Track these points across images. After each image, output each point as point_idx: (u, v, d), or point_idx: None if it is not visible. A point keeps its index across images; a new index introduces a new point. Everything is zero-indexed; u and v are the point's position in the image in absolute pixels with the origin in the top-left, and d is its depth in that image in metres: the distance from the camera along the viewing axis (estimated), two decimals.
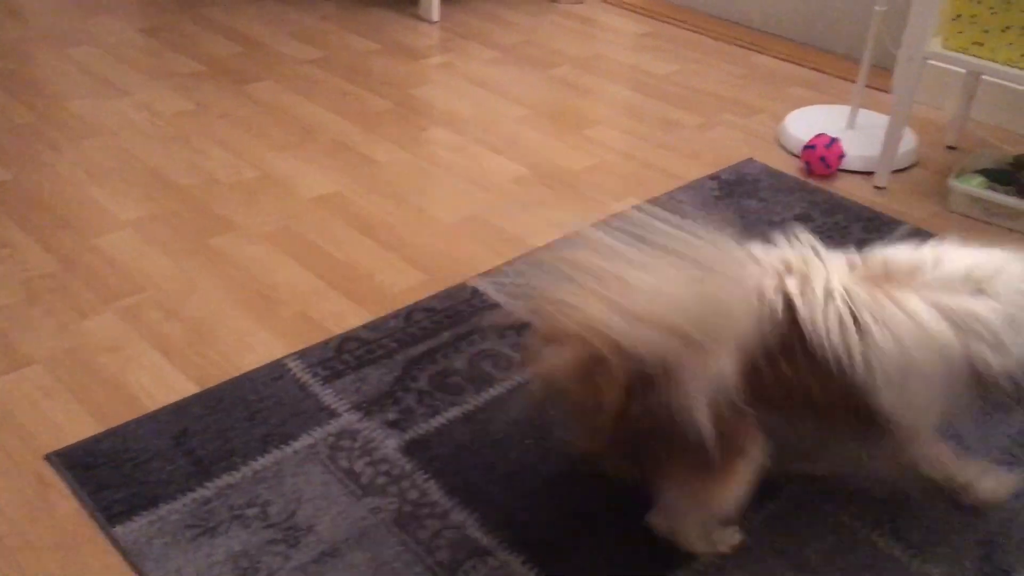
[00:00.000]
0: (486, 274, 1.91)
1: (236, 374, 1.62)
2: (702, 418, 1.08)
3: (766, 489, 1.40)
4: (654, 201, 2.18)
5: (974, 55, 2.08)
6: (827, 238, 2.06)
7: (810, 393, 1.19)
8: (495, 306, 1.81)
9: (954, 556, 1.32)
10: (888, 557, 1.32)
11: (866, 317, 1.18)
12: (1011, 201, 2.12)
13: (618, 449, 1.22)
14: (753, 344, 1.16)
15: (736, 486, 1.20)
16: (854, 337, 1.17)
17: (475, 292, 1.85)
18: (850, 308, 1.18)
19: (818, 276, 1.22)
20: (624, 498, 1.36)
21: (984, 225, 2.15)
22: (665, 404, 1.09)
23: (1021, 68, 2.02)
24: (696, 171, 2.34)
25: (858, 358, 1.17)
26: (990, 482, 1.39)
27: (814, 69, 2.97)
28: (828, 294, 1.19)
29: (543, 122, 2.58)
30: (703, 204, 2.17)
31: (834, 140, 2.33)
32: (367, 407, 1.55)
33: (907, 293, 1.20)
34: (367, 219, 2.10)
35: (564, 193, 2.23)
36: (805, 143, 2.37)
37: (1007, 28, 2.01)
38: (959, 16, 2.08)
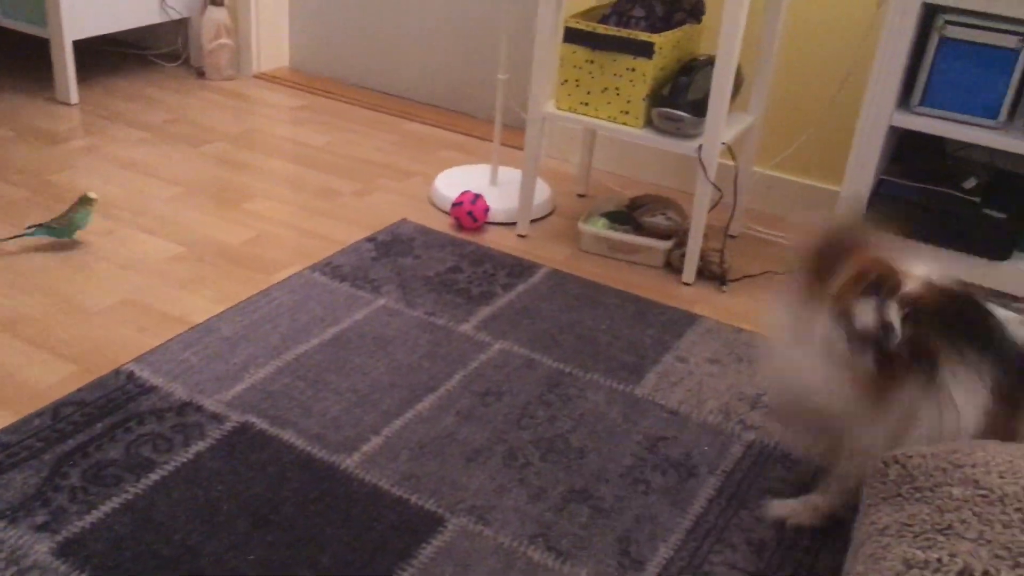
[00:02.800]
0: (142, 357, 1.86)
1: None
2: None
3: (430, 524, 1.49)
4: (314, 267, 2.24)
5: (583, 114, 2.37)
6: (477, 285, 2.22)
7: None
8: (153, 389, 1.77)
9: (598, 556, 1.48)
10: (542, 567, 1.45)
11: None
12: (628, 238, 2.42)
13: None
14: None
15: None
16: None
17: (131, 377, 1.79)
18: None
19: None
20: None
21: (610, 260, 2.43)
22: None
23: (620, 123, 2.32)
24: (354, 235, 2.43)
25: None
26: None
27: (461, 133, 3.20)
28: None
29: (198, 200, 2.56)
30: (361, 265, 2.26)
31: (478, 196, 2.52)
32: (11, 514, 1.45)
33: None
34: (7, 316, 1.97)
35: (224, 268, 2.23)
36: (453, 201, 2.54)
37: (605, 89, 2.31)
38: (566, 81, 2.35)
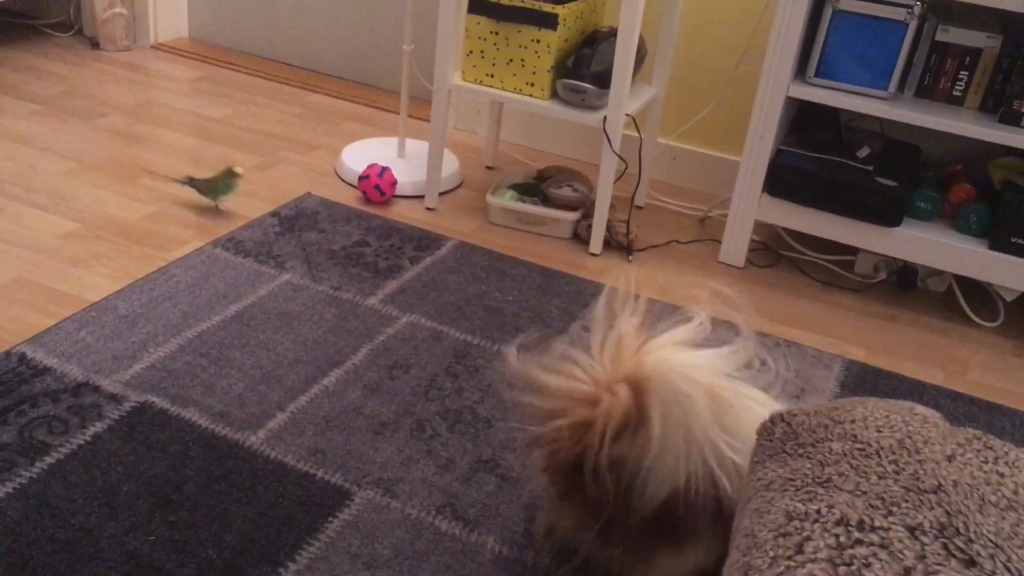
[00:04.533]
0: (35, 338, 1.80)
1: None
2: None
3: (336, 498, 1.48)
4: (216, 243, 2.19)
5: (489, 86, 2.36)
6: (384, 259, 2.21)
7: None
8: (47, 370, 1.71)
9: (505, 524, 1.50)
10: (449, 537, 1.46)
11: None
12: (536, 210, 2.43)
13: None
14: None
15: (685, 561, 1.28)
16: None
17: (23, 359, 1.73)
18: None
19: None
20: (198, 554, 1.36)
21: (518, 232, 2.44)
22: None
23: (526, 95, 2.33)
24: (257, 210, 2.38)
25: None
26: None
27: (366, 104, 3.16)
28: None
29: (93, 174, 2.47)
30: (265, 240, 2.22)
31: (385, 169, 2.50)
32: None
33: None
34: None
35: (121, 245, 2.16)
36: (360, 174, 2.51)
37: (510, 61, 2.31)
38: (472, 52, 2.34)
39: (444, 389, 1.79)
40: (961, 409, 1.92)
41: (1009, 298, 2.26)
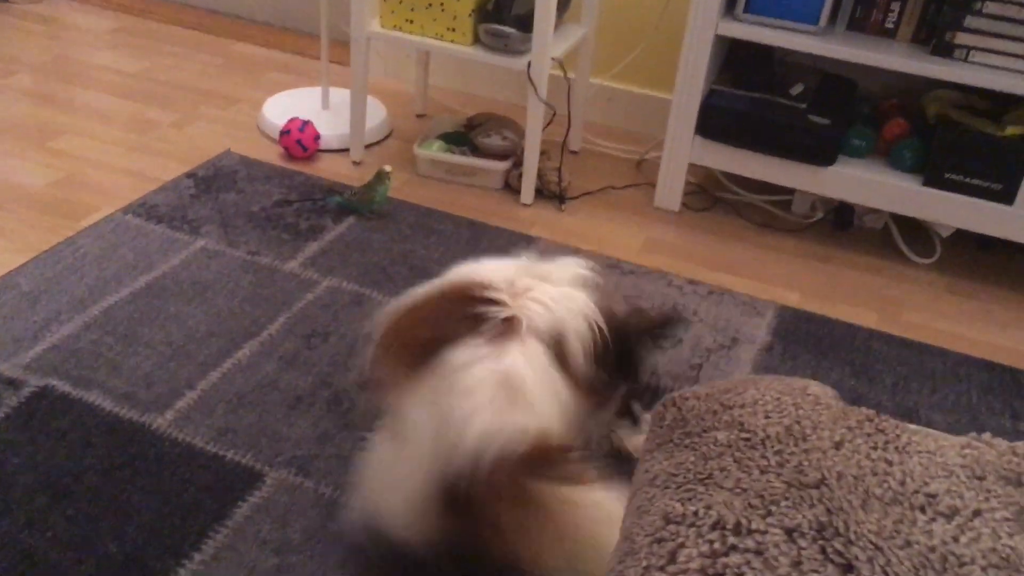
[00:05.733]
0: None
1: None
2: None
3: (247, 480, 1.43)
4: (127, 209, 2.09)
5: (408, 32, 2.25)
6: (305, 219, 2.13)
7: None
8: None
9: None
10: None
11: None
12: (464, 160, 2.35)
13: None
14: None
15: None
16: None
17: None
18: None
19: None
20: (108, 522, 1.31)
21: (449, 184, 2.36)
22: None
23: (447, 40, 2.22)
24: (172, 171, 2.28)
25: None
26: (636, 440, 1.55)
27: (292, 52, 3.03)
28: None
29: None
30: (180, 204, 2.13)
31: (306, 123, 2.39)
32: None
33: None
34: None
35: (24, 215, 2.06)
36: (281, 129, 2.41)
37: (429, 6, 2.20)
38: None
39: (364, 358, 1.73)
40: (894, 352, 1.89)
41: (945, 234, 2.22)
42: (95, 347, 1.68)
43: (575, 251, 2.12)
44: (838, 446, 0.80)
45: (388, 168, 2.15)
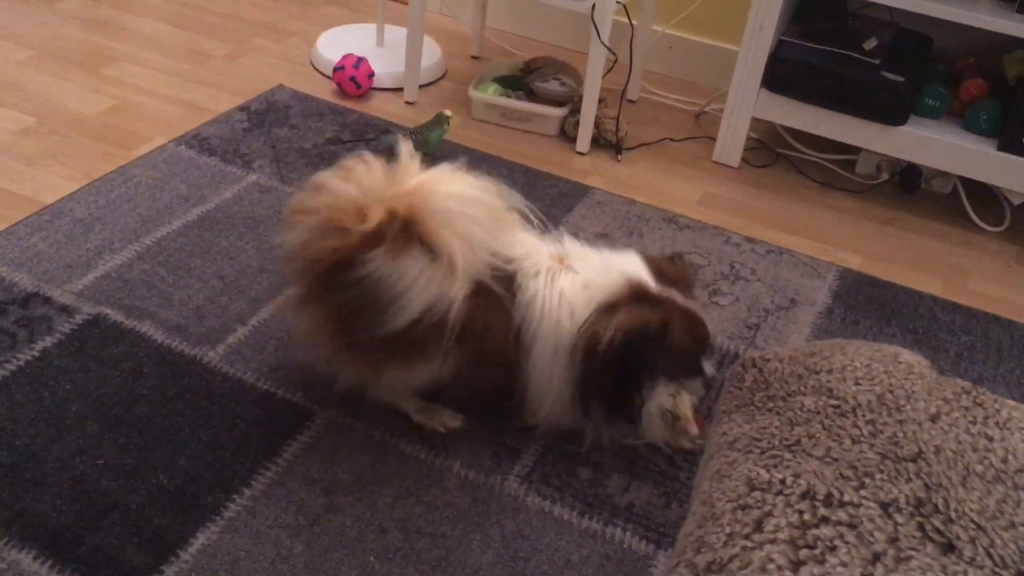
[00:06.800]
0: None
1: None
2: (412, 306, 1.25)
3: (297, 419, 1.42)
4: (180, 140, 2.07)
5: None
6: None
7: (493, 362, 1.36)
8: None
9: (473, 447, 1.43)
10: (414, 459, 1.40)
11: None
12: (520, 105, 2.29)
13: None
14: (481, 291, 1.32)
15: (416, 375, 1.37)
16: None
17: None
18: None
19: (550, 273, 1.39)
20: (138, 477, 1.31)
21: (503, 128, 2.31)
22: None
23: None
24: (225, 103, 2.25)
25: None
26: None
27: None
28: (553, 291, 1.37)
29: (52, 64, 2.33)
30: (232, 138, 2.10)
31: (361, 59, 2.35)
32: None
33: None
34: None
35: (79, 142, 2.04)
36: (335, 64, 2.36)
37: None
38: None
39: None
40: (958, 321, 1.83)
41: (1016, 202, 2.14)
42: (147, 278, 1.67)
43: (630, 203, 2.06)
44: (934, 419, 0.76)
45: (448, 113, 2.09)
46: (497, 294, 1.34)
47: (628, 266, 1.41)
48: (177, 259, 1.73)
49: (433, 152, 2.11)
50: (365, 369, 1.38)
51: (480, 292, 1.32)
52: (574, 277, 1.38)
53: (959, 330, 1.81)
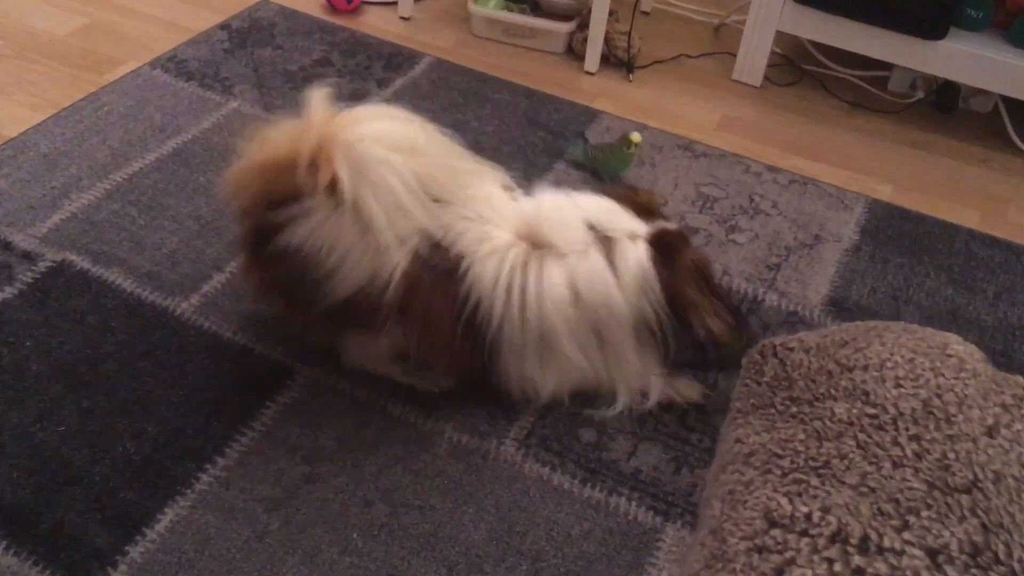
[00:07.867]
0: None
1: None
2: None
3: (277, 377, 1.31)
4: (156, 63, 1.92)
5: None
6: (348, 81, 1.93)
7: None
8: None
9: (466, 410, 1.32)
10: (403, 423, 1.29)
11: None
12: (524, 20, 2.11)
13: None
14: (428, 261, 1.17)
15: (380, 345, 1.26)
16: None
17: None
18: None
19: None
20: (101, 449, 1.21)
21: (505, 46, 2.14)
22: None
23: None
24: (204, 21, 2.08)
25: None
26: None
27: None
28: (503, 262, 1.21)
29: None
30: (212, 60, 1.94)
31: None
32: None
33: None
34: None
35: (45, 67, 1.89)
36: None
37: None
38: None
39: None
40: (998, 257, 1.69)
41: None
42: (117, 219, 1.55)
43: (642, 128, 1.91)
44: (991, 432, 0.63)
45: (637, 138, 1.73)
46: (439, 271, 1.18)
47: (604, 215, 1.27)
48: (150, 197, 1.60)
49: (608, 176, 1.80)
50: (327, 335, 1.29)
51: (421, 267, 1.17)
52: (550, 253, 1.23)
53: (998, 267, 1.67)
